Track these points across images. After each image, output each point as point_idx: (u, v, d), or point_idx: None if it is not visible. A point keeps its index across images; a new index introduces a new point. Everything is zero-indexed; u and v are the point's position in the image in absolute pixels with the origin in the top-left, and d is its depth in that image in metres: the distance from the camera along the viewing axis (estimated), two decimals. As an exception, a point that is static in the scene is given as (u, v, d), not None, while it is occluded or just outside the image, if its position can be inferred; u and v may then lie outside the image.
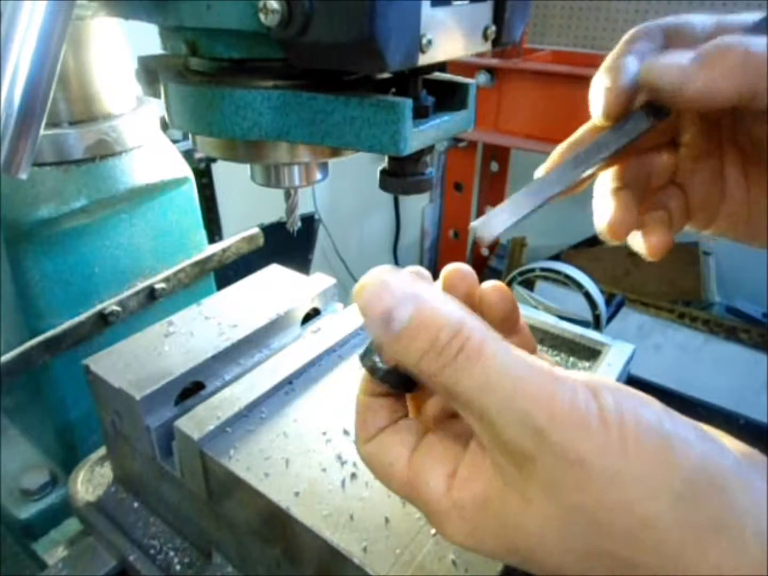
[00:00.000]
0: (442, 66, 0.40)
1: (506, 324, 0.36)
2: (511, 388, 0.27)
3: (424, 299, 0.28)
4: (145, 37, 0.49)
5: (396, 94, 0.38)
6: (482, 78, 1.86)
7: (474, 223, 0.35)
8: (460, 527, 0.30)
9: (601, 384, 0.28)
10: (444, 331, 0.28)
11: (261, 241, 0.81)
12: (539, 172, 0.40)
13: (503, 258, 2.53)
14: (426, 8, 0.33)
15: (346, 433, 0.49)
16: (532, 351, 0.38)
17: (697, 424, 0.28)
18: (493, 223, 0.35)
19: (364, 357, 0.35)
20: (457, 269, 0.37)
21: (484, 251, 2.58)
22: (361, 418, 0.35)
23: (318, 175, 0.47)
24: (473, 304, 0.36)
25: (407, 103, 0.35)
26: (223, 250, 0.77)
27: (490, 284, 0.36)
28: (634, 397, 0.28)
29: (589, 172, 0.37)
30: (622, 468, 0.26)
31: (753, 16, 0.34)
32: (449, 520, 0.31)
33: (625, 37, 0.37)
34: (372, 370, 0.34)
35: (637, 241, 0.41)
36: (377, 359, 0.34)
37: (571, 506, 0.26)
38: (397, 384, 0.34)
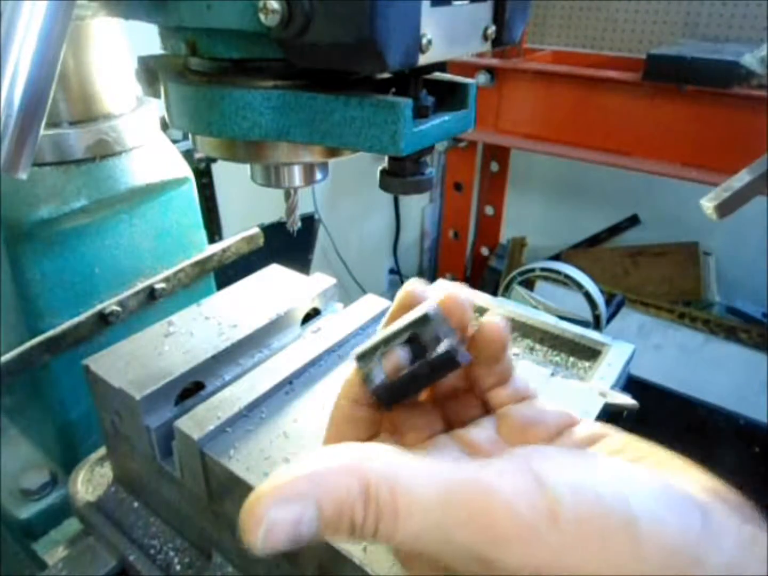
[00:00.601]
0: (442, 66, 0.40)
1: (494, 358, 0.34)
2: (444, 527, 0.25)
3: (321, 489, 0.25)
4: (145, 37, 0.49)
5: (396, 94, 0.38)
6: (482, 78, 1.86)
7: (708, 203, 0.37)
8: (426, 569, 0.30)
9: (553, 469, 0.26)
10: (356, 509, 0.25)
11: (261, 241, 0.81)
12: None
13: (503, 258, 2.53)
14: (426, 8, 0.33)
15: (346, 433, 0.49)
16: (507, 379, 0.35)
17: (663, 470, 0.27)
18: (729, 203, 0.37)
19: (362, 359, 0.32)
20: (455, 298, 0.33)
21: (484, 251, 2.58)
22: (336, 428, 0.33)
23: (318, 175, 0.47)
24: (463, 330, 0.34)
25: (407, 103, 0.35)
26: (223, 250, 0.77)
27: (491, 321, 0.33)
28: (589, 472, 0.26)
29: None
30: (586, 567, 0.24)
31: None
32: (414, 560, 0.30)
33: None
34: (367, 378, 0.32)
35: None
36: (375, 368, 0.32)
37: None
38: (387, 400, 0.32)
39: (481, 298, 0.70)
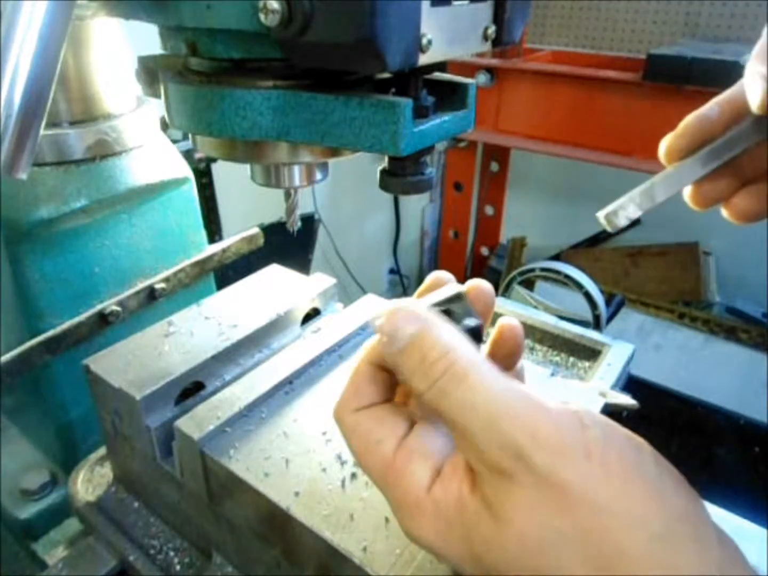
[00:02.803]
0: (442, 66, 0.40)
1: (508, 360, 0.37)
2: (494, 411, 0.28)
3: (428, 324, 0.30)
4: (145, 37, 0.49)
5: (396, 94, 0.38)
6: (482, 78, 1.86)
7: (600, 213, 0.37)
8: (433, 524, 0.30)
9: (591, 417, 0.29)
10: (434, 351, 0.29)
11: (261, 241, 0.81)
12: (664, 155, 0.40)
13: (503, 258, 2.53)
14: (426, 8, 0.33)
15: (346, 433, 0.49)
16: None
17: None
18: (622, 214, 0.38)
19: None
20: (481, 287, 0.37)
21: (484, 251, 2.58)
22: (357, 384, 0.35)
23: (318, 175, 0.47)
24: (486, 318, 0.37)
25: (407, 103, 0.35)
26: (223, 250, 0.77)
27: (509, 321, 0.37)
28: (624, 437, 0.29)
29: (720, 164, 0.37)
30: (605, 498, 0.26)
31: None
32: (424, 514, 0.30)
33: None
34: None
35: (728, 207, 0.40)
36: None
37: (548, 528, 0.26)
38: None
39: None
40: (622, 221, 0.38)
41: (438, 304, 0.35)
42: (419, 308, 0.32)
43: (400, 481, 0.31)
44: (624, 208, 0.38)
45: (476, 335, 0.34)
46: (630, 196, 0.38)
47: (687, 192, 0.40)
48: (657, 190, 0.38)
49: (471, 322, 0.34)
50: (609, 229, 0.38)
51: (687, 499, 0.27)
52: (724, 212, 0.41)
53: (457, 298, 0.35)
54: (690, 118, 0.40)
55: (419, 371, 0.30)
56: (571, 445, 0.27)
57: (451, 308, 0.35)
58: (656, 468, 0.28)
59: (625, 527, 0.26)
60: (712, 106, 0.40)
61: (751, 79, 0.36)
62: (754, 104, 0.35)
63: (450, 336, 0.31)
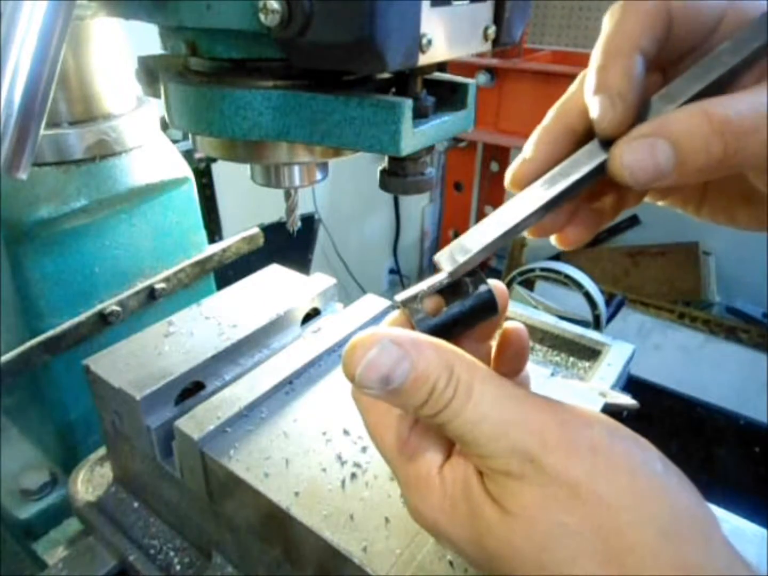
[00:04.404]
0: (442, 66, 0.40)
1: (514, 365, 0.36)
2: (500, 421, 0.28)
3: (416, 352, 0.29)
4: (145, 37, 0.49)
5: (396, 94, 0.38)
6: (482, 78, 1.86)
7: (437, 257, 0.33)
8: (439, 502, 0.31)
9: (596, 417, 0.30)
10: (439, 382, 0.28)
11: (261, 241, 0.81)
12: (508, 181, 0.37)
13: (503, 258, 2.53)
14: (426, 8, 0.33)
15: (346, 433, 0.49)
16: None
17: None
18: (457, 258, 0.33)
19: (406, 302, 0.33)
20: (498, 286, 0.36)
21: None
22: None
23: (318, 175, 0.47)
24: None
25: (407, 103, 0.35)
26: (223, 250, 0.77)
27: (514, 325, 0.36)
28: (629, 436, 0.29)
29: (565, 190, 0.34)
30: (612, 493, 0.26)
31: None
32: (432, 492, 0.31)
33: (620, 27, 0.30)
34: (412, 316, 0.33)
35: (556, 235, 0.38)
36: (419, 308, 0.33)
37: (556, 524, 0.27)
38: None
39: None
40: (455, 269, 0.32)
41: (446, 279, 0.33)
42: (394, 337, 0.29)
43: (414, 457, 0.32)
44: (441, 260, 0.33)
45: (487, 302, 0.33)
46: (466, 235, 0.33)
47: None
48: (467, 241, 0.33)
49: (482, 287, 0.33)
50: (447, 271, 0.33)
51: (693, 499, 0.28)
52: (553, 239, 0.38)
53: (471, 272, 0.33)
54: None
55: (428, 403, 0.29)
56: (578, 443, 0.28)
57: (462, 279, 0.33)
58: (662, 466, 0.28)
59: (633, 523, 0.26)
60: (537, 140, 0.37)
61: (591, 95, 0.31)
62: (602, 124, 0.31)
63: (442, 353, 0.29)
